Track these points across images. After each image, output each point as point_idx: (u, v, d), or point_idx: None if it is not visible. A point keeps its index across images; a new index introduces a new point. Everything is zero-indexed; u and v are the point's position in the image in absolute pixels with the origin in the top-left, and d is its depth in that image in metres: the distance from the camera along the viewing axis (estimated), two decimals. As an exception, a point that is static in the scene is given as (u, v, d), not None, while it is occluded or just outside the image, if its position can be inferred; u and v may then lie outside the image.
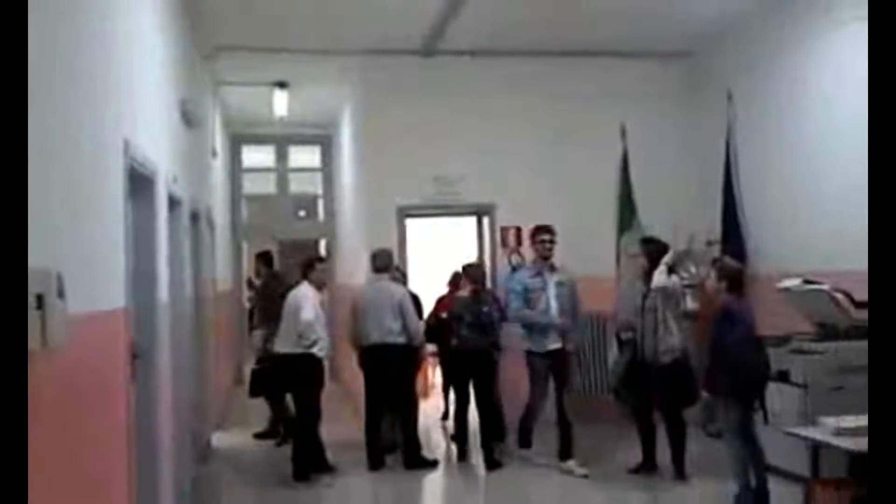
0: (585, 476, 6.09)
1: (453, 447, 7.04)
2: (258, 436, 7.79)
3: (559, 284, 6.33)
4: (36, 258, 2.41)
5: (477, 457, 6.65)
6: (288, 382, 6.39)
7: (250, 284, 8.16)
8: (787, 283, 5.85)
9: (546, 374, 6.31)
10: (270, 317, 7.53)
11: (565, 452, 6.25)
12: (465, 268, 7.01)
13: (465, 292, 6.80)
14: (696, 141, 8.29)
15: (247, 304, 10.50)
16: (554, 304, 6.29)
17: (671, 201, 8.00)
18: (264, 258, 8.34)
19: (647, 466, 6.07)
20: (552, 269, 6.37)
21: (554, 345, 6.28)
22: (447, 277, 8.07)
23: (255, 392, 7.66)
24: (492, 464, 6.44)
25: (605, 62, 8.23)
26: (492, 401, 6.68)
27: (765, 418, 5.31)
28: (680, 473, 5.89)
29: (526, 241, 7.99)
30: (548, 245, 6.35)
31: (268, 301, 7.72)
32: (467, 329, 6.53)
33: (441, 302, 7.74)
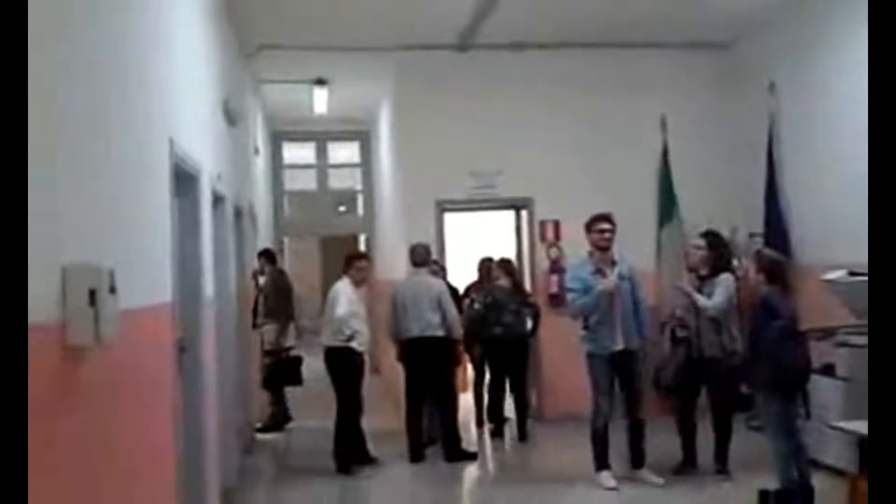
0: (661, 484, 5.70)
1: (485, 434, 7.53)
2: (262, 430, 7.87)
3: (620, 278, 5.72)
4: (88, 254, 2.50)
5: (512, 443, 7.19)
6: (330, 375, 6.47)
7: (255, 280, 8.26)
8: (832, 274, 5.75)
9: (611, 381, 5.70)
10: (282, 312, 7.69)
11: (638, 460, 5.84)
12: (501, 262, 7.51)
13: (504, 282, 7.32)
14: (738, 132, 8.16)
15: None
16: (617, 301, 5.68)
17: (712, 193, 7.91)
18: (267, 255, 8.32)
19: (688, 465, 5.91)
20: (612, 262, 5.77)
21: (619, 346, 5.68)
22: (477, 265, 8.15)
23: (268, 384, 7.81)
24: (524, 436, 7.32)
25: (643, 53, 8.15)
26: (525, 383, 7.48)
27: (807, 413, 5.22)
28: (723, 469, 5.76)
29: (568, 235, 8.00)
30: (606, 235, 5.76)
31: (278, 297, 7.83)
32: (511, 316, 7.17)
33: (468, 290, 7.91)
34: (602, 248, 5.77)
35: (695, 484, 5.76)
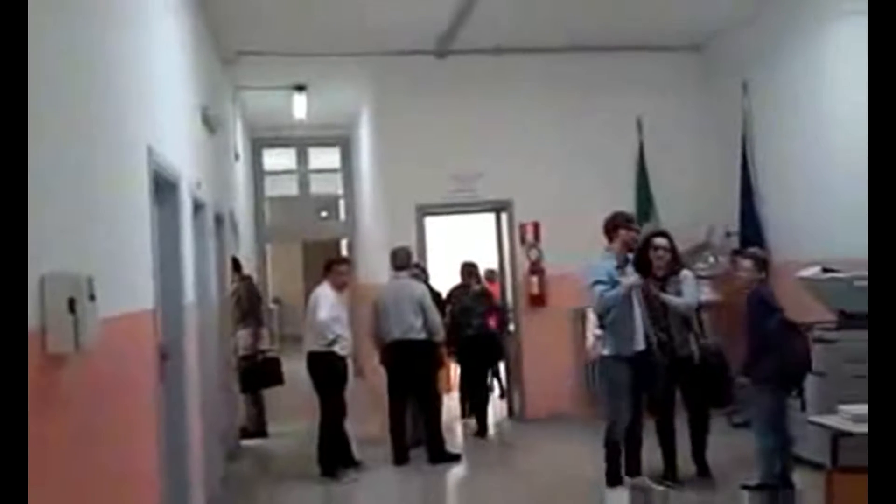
0: (670, 486, 5.53)
1: (469, 429, 7.82)
2: (246, 435, 7.85)
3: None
4: (67, 263, 2.52)
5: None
6: (313, 380, 6.49)
7: None
8: (806, 272, 5.85)
9: (630, 384, 5.41)
10: (253, 317, 7.75)
11: (637, 467, 5.58)
12: (471, 266, 8.06)
13: (475, 287, 7.93)
14: (714, 132, 8.28)
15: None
16: (635, 299, 5.49)
17: (689, 193, 8.01)
18: (234, 263, 8.17)
19: (669, 475, 5.67)
20: (626, 261, 5.61)
21: (640, 346, 5.45)
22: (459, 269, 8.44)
23: (246, 388, 7.84)
24: (483, 432, 7.71)
25: (619, 56, 8.24)
26: (495, 378, 8.34)
27: (802, 404, 5.21)
28: (704, 470, 5.64)
29: (547, 236, 8.09)
30: (636, 236, 5.67)
31: (250, 303, 7.91)
32: (479, 318, 7.75)
33: (452, 294, 8.20)
34: (631, 249, 5.60)
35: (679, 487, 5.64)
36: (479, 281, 8.22)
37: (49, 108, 2.51)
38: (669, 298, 5.59)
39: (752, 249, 5.84)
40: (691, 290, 5.66)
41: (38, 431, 2.25)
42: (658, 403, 5.69)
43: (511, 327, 8.33)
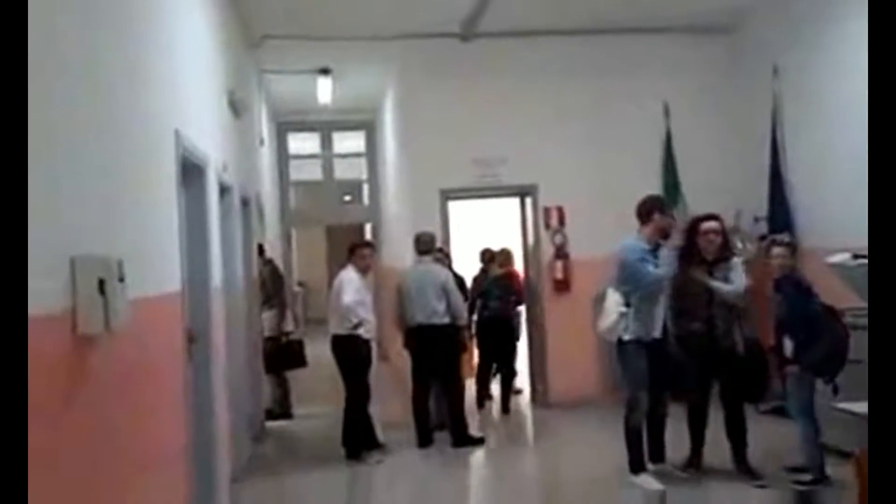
0: (686, 478, 5.44)
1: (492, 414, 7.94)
2: (271, 416, 7.92)
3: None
4: (97, 245, 2.55)
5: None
6: (337, 363, 6.53)
7: None
8: (835, 258, 5.76)
9: (648, 370, 5.34)
10: (279, 299, 7.87)
11: (657, 455, 5.54)
12: (490, 251, 8.36)
13: (497, 271, 8.20)
14: (742, 117, 8.16)
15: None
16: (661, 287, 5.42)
17: (717, 178, 7.90)
18: (258, 248, 8.19)
19: (695, 463, 5.56)
20: (658, 246, 5.46)
21: (658, 334, 5.37)
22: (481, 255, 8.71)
23: (270, 369, 7.93)
24: (507, 409, 7.98)
25: (646, 39, 8.13)
26: (513, 361, 8.20)
27: (835, 391, 5.09)
28: (749, 470, 5.37)
29: (572, 221, 8.05)
30: (672, 222, 5.62)
31: (274, 285, 8.03)
32: (497, 301, 7.96)
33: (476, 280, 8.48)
34: (666, 235, 5.49)
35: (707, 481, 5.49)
36: (499, 265, 8.34)
37: (77, 94, 2.53)
38: (718, 285, 5.34)
39: (783, 235, 5.77)
40: (738, 277, 5.40)
41: (68, 411, 2.29)
42: (690, 392, 5.54)
43: (519, 308, 8.38)
